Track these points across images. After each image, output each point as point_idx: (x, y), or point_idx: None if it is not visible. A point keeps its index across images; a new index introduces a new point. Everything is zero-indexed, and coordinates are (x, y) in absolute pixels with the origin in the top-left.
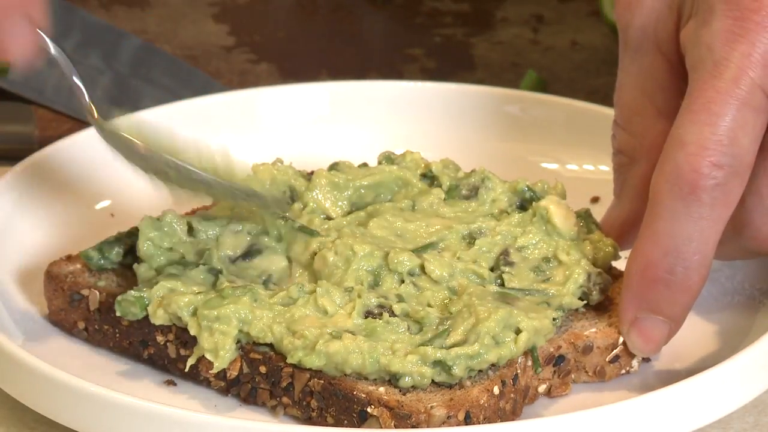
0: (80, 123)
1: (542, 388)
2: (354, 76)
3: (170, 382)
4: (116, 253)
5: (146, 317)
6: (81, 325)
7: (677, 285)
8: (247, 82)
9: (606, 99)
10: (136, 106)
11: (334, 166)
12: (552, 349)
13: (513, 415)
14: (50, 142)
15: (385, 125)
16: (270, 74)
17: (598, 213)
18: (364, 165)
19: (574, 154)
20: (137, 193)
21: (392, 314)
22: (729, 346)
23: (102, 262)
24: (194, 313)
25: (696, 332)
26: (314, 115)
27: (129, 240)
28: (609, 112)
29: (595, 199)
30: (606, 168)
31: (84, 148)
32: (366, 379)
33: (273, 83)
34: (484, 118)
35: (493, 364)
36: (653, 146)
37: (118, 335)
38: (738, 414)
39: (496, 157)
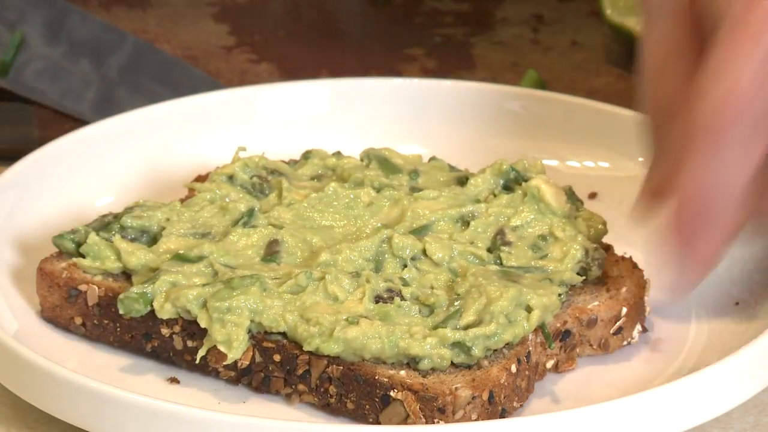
0: (80, 123)
1: (550, 363)
2: (354, 76)
3: (173, 380)
4: (85, 233)
5: (150, 311)
6: (78, 320)
7: (708, 228)
8: (248, 82)
9: (606, 99)
10: (134, 104)
11: (306, 155)
12: (558, 325)
13: (527, 392)
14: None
15: (385, 122)
16: (270, 74)
17: (596, 208)
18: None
19: (574, 151)
20: (138, 192)
21: (402, 298)
22: (730, 343)
23: (74, 246)
24: (203, 306)
25: (696, 329)
26: (314, 112)
27: (100, 226)
28: (609, 109)
29: (592, 195)
30: (605, 164)
31: (84, 146)
32: (384, 363)
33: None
34: (484, 115)
35: (507, 343)
36: (682, 104)
37: (119, 329)
38: (738, 414)
39: (496, 154)
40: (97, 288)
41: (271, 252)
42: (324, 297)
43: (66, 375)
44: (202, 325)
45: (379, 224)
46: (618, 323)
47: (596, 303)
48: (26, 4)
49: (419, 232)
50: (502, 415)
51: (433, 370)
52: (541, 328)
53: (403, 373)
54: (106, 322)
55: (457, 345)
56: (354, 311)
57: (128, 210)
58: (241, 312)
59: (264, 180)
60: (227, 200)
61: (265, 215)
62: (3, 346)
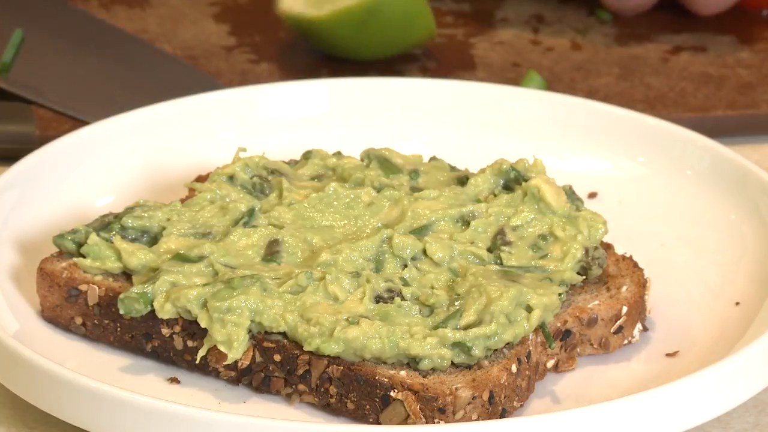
0: (80, 123)
1: (550, 363)
2: (354, 76)
3: (173, 380)
4: (86, 233)
5: (150, 311)
6: (78, 320)
7: None
8: (248, 82)
9: (606, 99)
10: (134, 104)
11: (307, 155)
12: (559, 324)
13: (528, 391)
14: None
15: (385, 122)
16: (270, 74)
17: (596, 208)
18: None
19: (574, 151)
20: (138, 192)
21: (402, 298)
22: (730, 343)
23: (75, 246)
24: (204, 306)
25: (696, 329)
26: (314, 112)
27: (101, 226)
28: (609, 108)
29: (592, 195)
30: (605, 164)
31: (84, 146)
32: (384, 363)
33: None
34: (484, 115)
35: (508, 343)
36: None
37: (119, 329)
38: (738, 414)
39: (496, 154)
40: (97, 288)
41: (272, 252)
42: (324, 297)
43: (66, 375)
44: (203, 325)
45: (379, 224)
46: (618, 322)
47: (596, 302)
48: (26, 3)
49: (419, 232)
50: (503, 415)
51: (434, 370)
52: (541, 327)
53: (403, 373)
54: (106, 322)
55: (458, 345)
56: (354, 311)
57: (129, 210)
58: (242, 312)
59: (264, 180)
60: (227, 200)
61: (265, 215)
62: (3, 346)
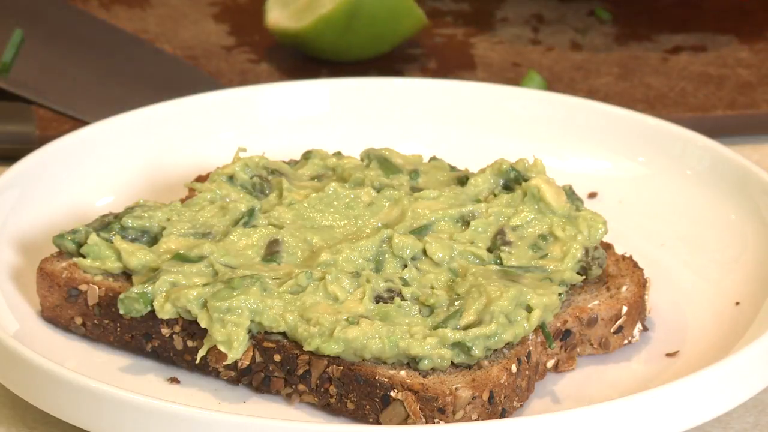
0: (80, 123)
1: (550, 363)
2: (354, 76)
3: (173, 380)
4: (86, 233)
5: (150, 311)
6: (78, 320)
7: None
8: (248, 82)
9: (606, 99)
10: (134, 104)
11: (307, 155)
12: (559, 324)
13: (527, 391)
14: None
15: (385, 122)
16: (270, 74)
17: (596, 208)
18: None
19: (574, 151)
20: (138, 192)
21: (402, 298)
22: (730, 343)
23: (75, 246)
24: (203, 306)
25: (696, 329)
26: (314, 112)
27: (101, 226)
28: (609, 108)
29: (592, 195)
30: (605, 164)
31: (84, 146)
32: (384, 363)
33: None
34: (484, 115)
35: (508, 343)
36: None
37: (119, 329)
38: (738, 414)
39: (496, 154)
40: (97, 288)
41: (272, 252)
42: (324, 297)
43: (66, 375)
44: (203, 325)
45: (379, 224)
46: (618, 322)
47: (596, 302)
48: (26, 3)
49: (419, 232)
50: (503, 415)
51: (434, 370)
52: (541, 327)
53: (403, 373)
54: (106, 322)
55: (458, 345)
56: (354, 311)
57: (129, 210)
58: (242, 312)
59: (264, 180)
60: (227, 200)
61: (265, 215)
62: (3, 346)
